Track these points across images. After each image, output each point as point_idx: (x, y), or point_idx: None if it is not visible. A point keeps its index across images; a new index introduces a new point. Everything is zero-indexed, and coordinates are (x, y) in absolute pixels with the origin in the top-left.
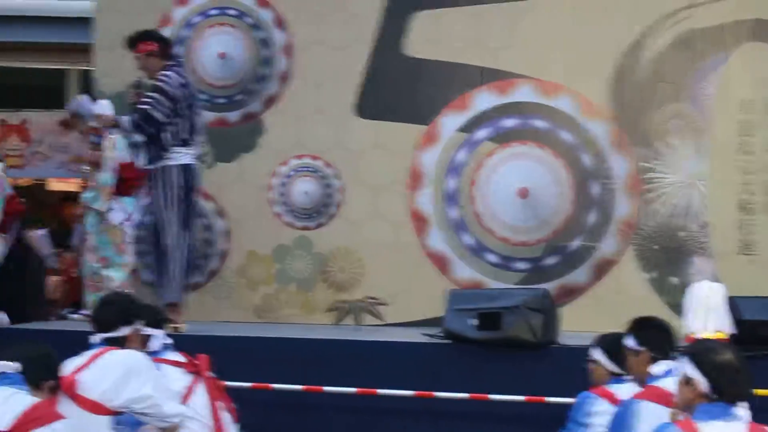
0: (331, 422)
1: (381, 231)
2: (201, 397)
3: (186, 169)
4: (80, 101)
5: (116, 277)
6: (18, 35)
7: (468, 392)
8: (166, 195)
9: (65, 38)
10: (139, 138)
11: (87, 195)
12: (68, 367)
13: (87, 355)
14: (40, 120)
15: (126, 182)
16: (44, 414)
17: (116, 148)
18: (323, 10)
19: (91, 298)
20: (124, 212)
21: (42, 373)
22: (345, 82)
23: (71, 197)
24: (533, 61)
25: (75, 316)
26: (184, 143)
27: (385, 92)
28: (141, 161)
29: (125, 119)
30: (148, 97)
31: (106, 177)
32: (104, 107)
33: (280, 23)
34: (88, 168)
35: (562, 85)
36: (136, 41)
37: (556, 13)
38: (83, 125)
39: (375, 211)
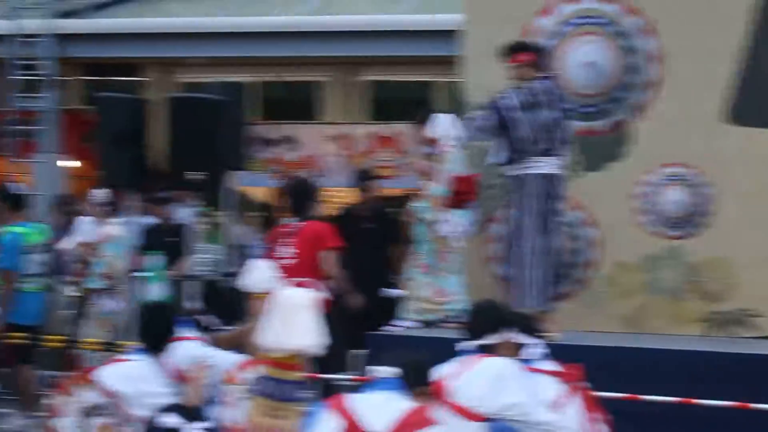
0: None
1: (754, 240)
2: (574, 407)
3: (548, 177)
4: (440, 120)
5: (432, 285)
6: (388, 49)
7: None
8: (525, 203)
9: (431, 51)
10: (487, 141)
11: (418, 205)
12: (441, 373)
13: (459, 362)
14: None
15: (459, 195)
16: (419, 419)
17: (452, 161)
18: (692, 15)
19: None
20: (454, 225)
21: (417, 379)
22: (714, 88)
23: None
24: None
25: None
26: (547, 152)
27: (759, 98)
28: (499, 159)
29: (478, 123)
30: (507, 104)
31: (439, 188)
32: (449, 123)
33: (647, 30)
34: (422, 178)
35: None
36: (513, 51)
37: None
38: (424, 137)
39: (748, 220)
